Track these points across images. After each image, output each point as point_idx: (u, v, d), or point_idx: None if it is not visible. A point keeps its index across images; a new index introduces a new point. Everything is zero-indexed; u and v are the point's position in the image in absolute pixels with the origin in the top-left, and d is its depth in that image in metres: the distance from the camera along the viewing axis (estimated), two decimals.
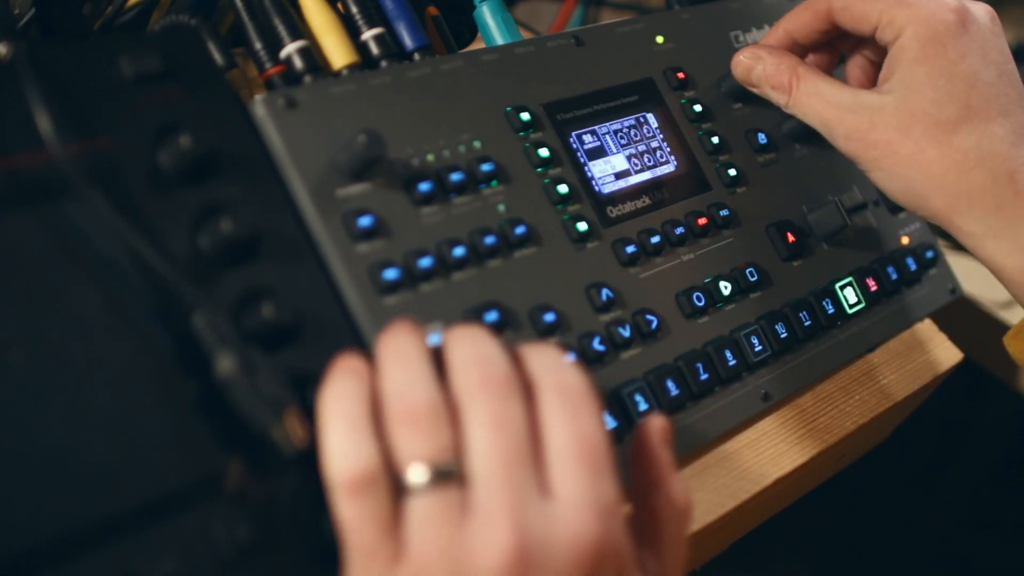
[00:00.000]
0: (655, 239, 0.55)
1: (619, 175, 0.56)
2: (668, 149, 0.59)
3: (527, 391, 0.38)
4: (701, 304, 0.55)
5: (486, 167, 0.51)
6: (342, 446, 0.37)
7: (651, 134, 0.59)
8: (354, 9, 0.56)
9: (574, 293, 0.52)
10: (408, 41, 0.57)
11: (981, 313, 0.81)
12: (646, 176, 0.58)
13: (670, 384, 0.52)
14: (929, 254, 0.68)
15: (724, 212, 0.59)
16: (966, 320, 0.80)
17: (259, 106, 0.47)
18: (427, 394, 0.37)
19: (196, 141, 0.43)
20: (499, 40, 0.60)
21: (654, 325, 0.53)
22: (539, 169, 0.53)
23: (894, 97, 0.53)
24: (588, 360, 0.50)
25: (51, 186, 0.41)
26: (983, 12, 0.55)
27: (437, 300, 0.47)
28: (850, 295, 0.61)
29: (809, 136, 0.65)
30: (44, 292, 0.39)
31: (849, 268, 0.63)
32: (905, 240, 0.68)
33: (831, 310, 0.60)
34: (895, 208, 0.68)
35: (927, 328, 0.68)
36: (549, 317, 0.50)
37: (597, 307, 0.52)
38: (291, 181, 0.46)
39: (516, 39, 0.60)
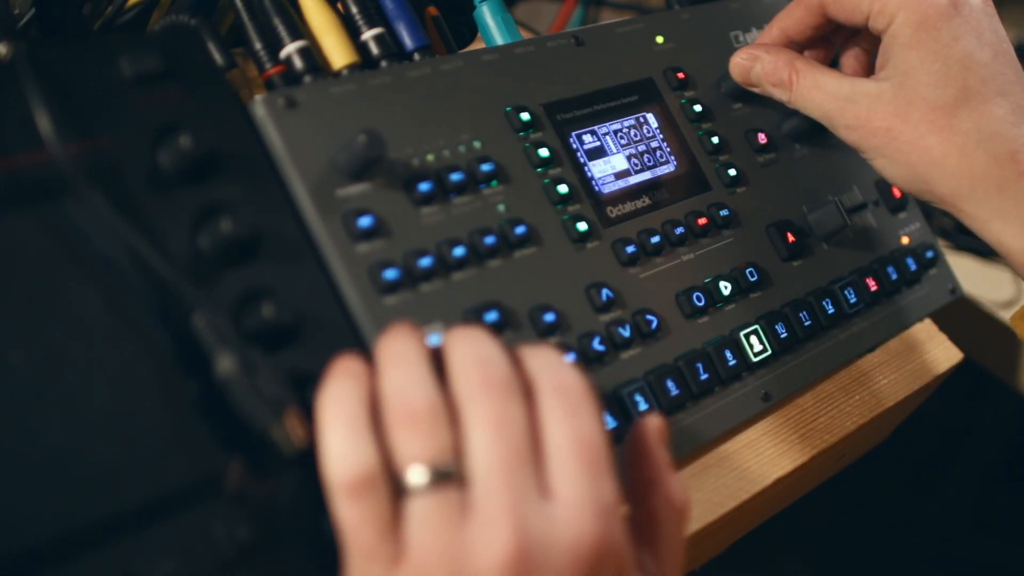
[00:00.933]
0: (655, 239, 0.55)
1: (619, 175, 0.56)
2: (668, 149, 0.59)
3: (526, 392, 0.38)
4: (701, 304, 0.55)
5: (486, 167, 0.51)
6: (340, 448, 0.37)
7: (651, 134, 0.59)
8: (354, 9, 0.56)
9: (574, 293, 0.52)
10: (408, 41, 0.57)
11: (981, 313, 0.80)
12: (646, 176, 0.58)
13: (670, 384, 0.52)
14: (929, 254, 0.68)
15: (724, 212, 0.59)
16: (966, 320, 0.80)
17: (259, 106, 0.47)
18: (426, 395, 0.37)
19: (196, 141, 0.43)
20: (499, 40, 0.60)
21: (654, 325, 0.53)
22: (539, 169, 0.53)
23: (891, 84, 0.53)
24: (588, 360, 0.50)
25: (51, 186, 0.40)
26: None
27: (437, 300, 0.47)
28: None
29: (809, 136, 0.65)
30: (44, 292, 0.39)
31: (849, 268, 0.63)
32: (905, 240, 0.68)
33: (831, 310, 0.60)
34: (895, 208, 0.68)
35: (927, 328, 0.68)
36: (549, 317, 0.50)
37: (597, 307, 0.52)
38: (291, 181, 0.46)
39: (516, 39, 0.60)
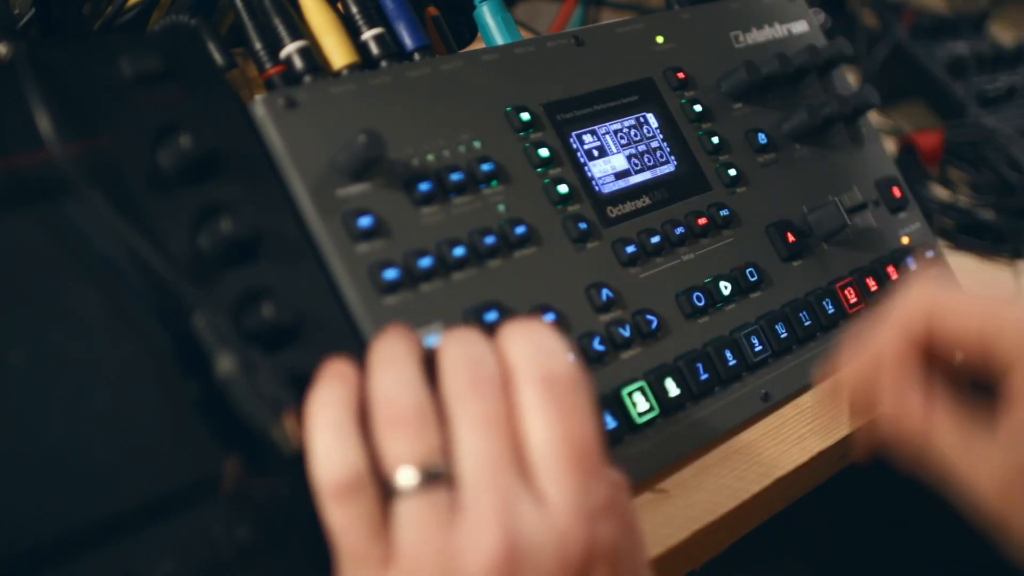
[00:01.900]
0: (655, 239, 0.55)
1: (619, 175, 0.56)
2: (668, 149, 0.59)
3: (511, 383, 0.38)
4: (701, 304, 0.55)
5: (486, 167, 0.51)
6: (327, 451, 0.37)
7: (651, 134, 0.59)
8: (354, 9, 0.56)
9: (574, 293, 0.52)
10: (408, 41, 0.57)
11: None
12: (646, 176, 0.58)
13: (670, 384, 0.52)
14: (929, 254, 0.68)
15: (724, 212, 0.59)
16: None
17: (259, 106, 0.47)
18: (414, 397, 0.37)
19: (196, 141, 0.43)
20: (499, 40, 0.60)
21: (654, 325, 0.53)
22: (539, 169, 0.53)
23: (1006, 452, 0.42)
24: (588, 360, 0.50)
25: (51, 186, 0.40)
26: None
27: (437, 300, 0.47)
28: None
29: (809, 136, 0.65)
30: (44, 292, 0.39)
31: (849, 268, 0.63)
32: (905, 240, 0.68)
33: (831, 310, 0.60)
34: (895, 208, 0.68)
35: None
36: (549, 317, 0.50)
37: (597, 307, 0.52)
38: (291, 181, 0.46)
39: (516, 39, 0.60)
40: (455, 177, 0.50)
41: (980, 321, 0.42)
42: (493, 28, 0.61)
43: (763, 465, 0.56)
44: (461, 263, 0.49)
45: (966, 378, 0.45)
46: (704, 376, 0.54)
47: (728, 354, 0.55)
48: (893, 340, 0.44)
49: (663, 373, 0.52)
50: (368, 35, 0.56)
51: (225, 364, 0.38)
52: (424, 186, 0.49)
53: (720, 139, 0.61)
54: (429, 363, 0.39)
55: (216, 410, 0.39)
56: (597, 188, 0.55)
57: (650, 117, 0.59)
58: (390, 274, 0.46)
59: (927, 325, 0.43)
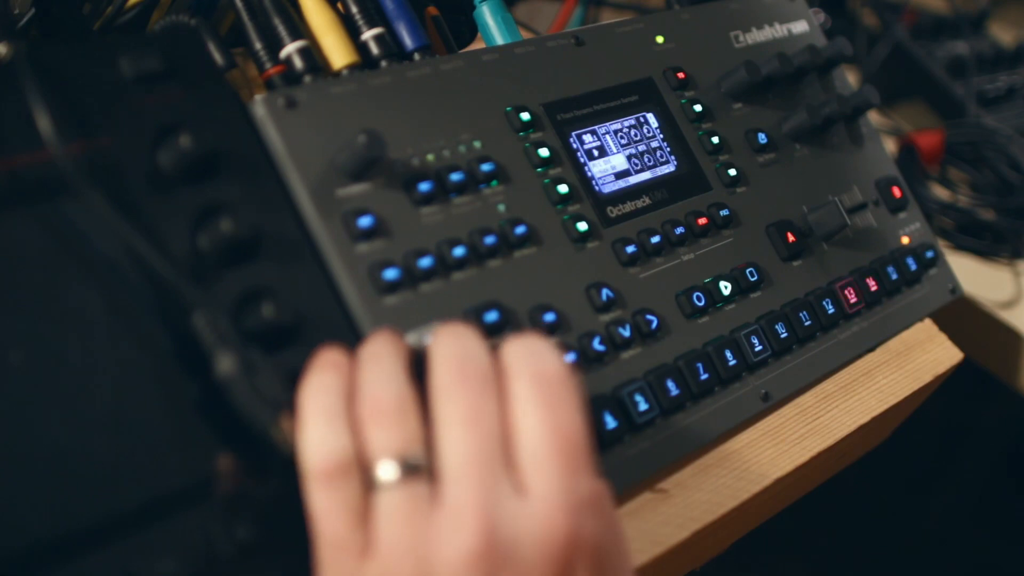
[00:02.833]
0: (655, 239, 0.55)
1: (619, 175, 0.56)
2: (668, 149, 0.59)
3: (503, 381, 0.38)
4: (701, 304, 0.55)
5: (486, 167, 0.51)
6: (317, 436, 0.37)
7: (651, 134, 0.59)
8: (354, 9, 0.56)
9: (574, 293, 0.52)
10: (408, 41, 0.57)
11: (981, 313, 0.80)
12: (646, 176, 0.58)
13: (670, 384, 0.52)
14: (929, 254, 0.68)
15: (724, 212, 0.59)
16: (966, 320, 0.80)
17: (259, 106, 0.47)
18: (396, 390, 0.38)
19: (196, 141, 0.43)
20: (499, 40, 0.60)
21: (654, 325, 0.53)
22: (539, 169, 0.53)
23: None
24: (588, 360, 0.50)
25: (51, 186, 0.40)
26: None
27: (437, 300, 0.47)
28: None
29: (809, 136, 0.65)
30: (44, 292, 0.39)
31: (849, 268, 0.63)
32: (905, 240, 0.68)
33: (831, 310, 0.60)
34: (895, 208, 0.68)
35: (927, 328, 0.68)
36: (549, 317, 0.50)
37: (597, 307, 0.52)
38: (291, 181, 0.46)
39: (516, 39, 0.60)
40: (455, 177, 0.50)
41: None
42: (493, 28, 0.61)
43: (763, 465, 0.56)
44: (461, 263, 0.49)
45: None
46: (704, 376, 0.54)
47: (728, 354, 0.55)
48: None
49: (663, 373, 0.52)
50: (368, 35, 0.56)
51: (225, 364, 0.38)
52: (424, 186, 0.49)
53: (720, 139, 0.61)
54: (422, 361, 0.39)
55: (216, 410, 0.39)
56: (597, 188, 0.55)
57: (650, 117, 0.59)
58: (390, 274, 0.46)
59: None
